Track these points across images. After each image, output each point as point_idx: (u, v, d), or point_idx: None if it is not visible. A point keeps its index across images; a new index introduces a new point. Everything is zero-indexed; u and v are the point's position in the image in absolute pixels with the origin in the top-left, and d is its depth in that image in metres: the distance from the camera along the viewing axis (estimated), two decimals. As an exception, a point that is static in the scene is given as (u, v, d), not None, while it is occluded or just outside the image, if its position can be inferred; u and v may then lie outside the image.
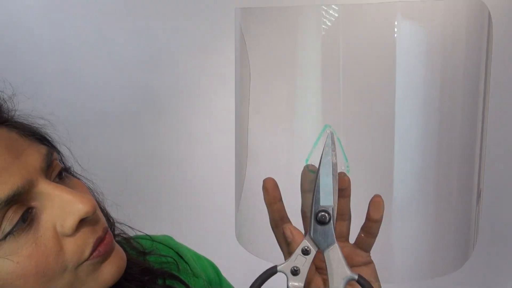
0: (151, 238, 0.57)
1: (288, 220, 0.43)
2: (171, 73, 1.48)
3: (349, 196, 0.42)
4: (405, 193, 0.42)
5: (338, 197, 0.41)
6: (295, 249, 0.40)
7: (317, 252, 0.39)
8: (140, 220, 0.49)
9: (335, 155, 0.39)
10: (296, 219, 0.43)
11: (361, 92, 0.43)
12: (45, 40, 1.41)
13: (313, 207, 0.39)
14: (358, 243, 0.43)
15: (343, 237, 0.43)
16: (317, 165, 0.40)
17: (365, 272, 0.43)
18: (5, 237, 0.36)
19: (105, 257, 0.41)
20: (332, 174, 0.38)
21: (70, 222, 0.38)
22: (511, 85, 1.51)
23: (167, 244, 0.59)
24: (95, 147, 1.42)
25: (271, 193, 0.43)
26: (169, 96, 1.51)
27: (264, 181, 0.43)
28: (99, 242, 0.41)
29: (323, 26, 0.40)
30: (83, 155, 0.57)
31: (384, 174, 0.41)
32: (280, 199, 0.43)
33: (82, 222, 0.40)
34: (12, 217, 0.37)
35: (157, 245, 0.58)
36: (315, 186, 0.39)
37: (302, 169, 0.42)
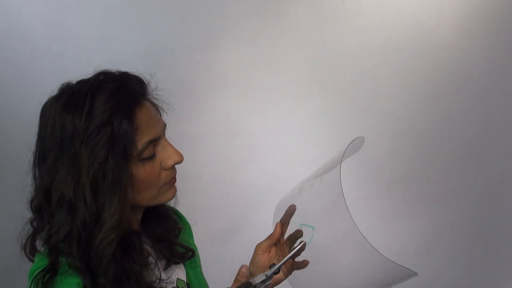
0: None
1: None
2: (171, 73, 1.48)
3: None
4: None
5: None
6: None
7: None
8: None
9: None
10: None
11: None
12: (44, 40, 1.41)
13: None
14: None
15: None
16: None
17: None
18: (145, 158, 0.72)
19: (172, 186, 0.78)
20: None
21: (171, 162, 0.75)
22: (511, 85, 1.51)
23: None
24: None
25: None
26: (169, 96, 1.51)
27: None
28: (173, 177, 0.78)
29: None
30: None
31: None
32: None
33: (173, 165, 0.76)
34: (150, 150, 0.72)
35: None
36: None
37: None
